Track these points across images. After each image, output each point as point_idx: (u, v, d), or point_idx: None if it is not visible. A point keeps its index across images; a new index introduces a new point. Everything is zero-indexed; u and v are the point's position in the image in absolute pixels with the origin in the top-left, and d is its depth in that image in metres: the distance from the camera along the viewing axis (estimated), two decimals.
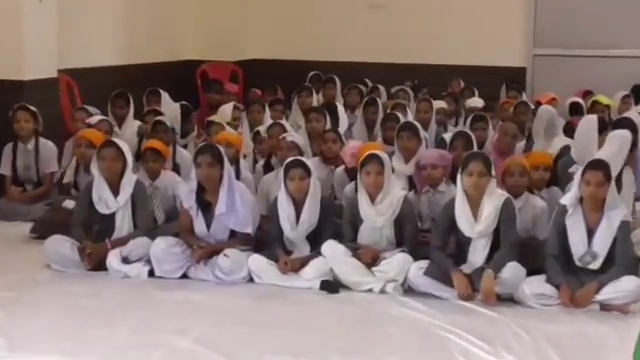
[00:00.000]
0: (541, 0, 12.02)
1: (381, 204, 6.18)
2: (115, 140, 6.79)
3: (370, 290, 6.02)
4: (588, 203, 5.80)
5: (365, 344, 5.11)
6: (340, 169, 7.29)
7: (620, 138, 6.80)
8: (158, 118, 8.15)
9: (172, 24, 11.95)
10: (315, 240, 6.29)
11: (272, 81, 11.23)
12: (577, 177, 5.85)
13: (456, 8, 12.22)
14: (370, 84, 11.45)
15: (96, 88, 9.49)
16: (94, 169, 6.55)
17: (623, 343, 5.09)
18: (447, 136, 7.84)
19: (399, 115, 8.42)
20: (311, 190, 6.27)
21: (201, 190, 6.37)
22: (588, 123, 7.37)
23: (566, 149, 7.50)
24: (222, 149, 6.51)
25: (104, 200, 6.50)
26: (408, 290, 5.99)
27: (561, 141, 7.97)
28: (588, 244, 5.77)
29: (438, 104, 9.61)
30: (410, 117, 8.87)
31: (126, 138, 7.76)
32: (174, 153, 7.68)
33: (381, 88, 11.31)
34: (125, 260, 6.34)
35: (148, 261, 6.32)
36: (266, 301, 5.89)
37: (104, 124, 8.00)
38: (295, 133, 7.89)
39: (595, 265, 5.75)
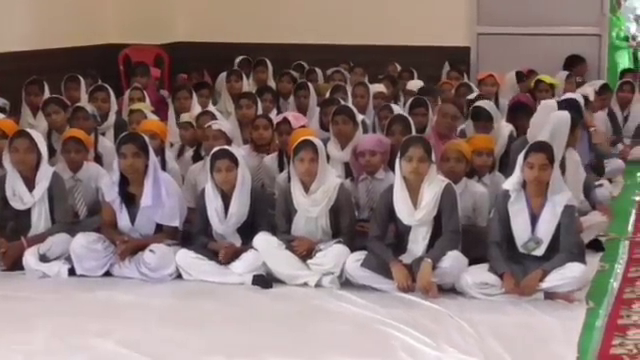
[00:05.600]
0: None
1: (316, 193, 6.20)
2: (28, 130, 6.72)
3: (305, 284, 6.05)
4: (531, 187, 5.88)
5: (301, 341, 5.13)
6: (269, 157, 7.30)
7: (558, 119, 6.92)
8: (78, 104, 8.09)
9: (92, 5, 11.83)
10: (248, 233, 6.29)
11: (200, 65, 11.19)
12: (520, 160, 5.93)
13: None
14: (306, 67, 11.47)
15: (8, 75, 9.36)
16: (6, 162, 6.48)
17: (568, 333, 5.17)
18: None
19: (340, 99, 8.45)
20: (239, 181, 6.27)
21: (124, 182, 6.34)
22: (547, 108, 7.48)
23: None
24: (147, 138, 6.49)
25: (19, 195, 6.45)
26: (345, 283, 6.02)
27: (505, 125, 8.05)
28: (532, 230, 5.85)
29: (376, 88, 9.64)
30: (350, 100, 8.92)
31: (40, 129, 7.68)
32: (96, 142, 7.63)
33: (317, 71, 11.33)
34: (43, 258, 6.29)
35: (68, 259, 6.27)
36: (195, 298, 5.88)
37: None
38: (224, 120, 7.89)
39: (539, 251, 5.83)
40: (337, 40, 12.16)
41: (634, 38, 13.84)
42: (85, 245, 6.23)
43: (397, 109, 8.29)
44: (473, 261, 5.95)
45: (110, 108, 8.55)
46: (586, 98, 8.75)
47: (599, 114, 9.83)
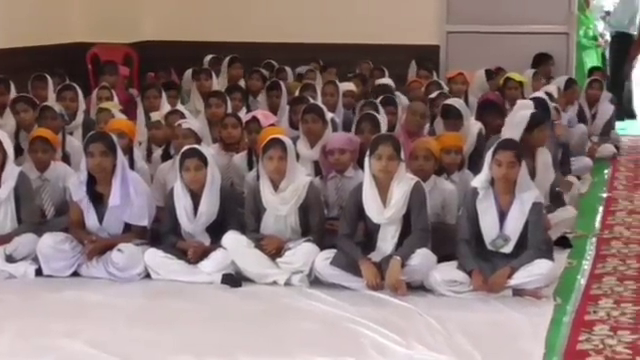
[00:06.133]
0: None
1: (285, 191, 6.21)
2: None
3: (275, 282, 6.06)
4: (499, 185, 5.92)
5: (271, 340, 5.13)
6: (238, 156, 7.31)
7: (518, 117, 6.98)
8: (46, 103, 8.06)
9: (59, 3, 11.77)
10: (217, 232, 6.29)
11: (168, 64, 11.16)
12: (488, 158, 5.97)
13: None
14: (276, 65, 11.48)
15: None
16: None
17: (535, 329, 5.20)
18: None
19: (309, 97, 8.46)
20: (209, 180, 6.27)
21: (92, 181, 6.32)
22: (524, 107, 7.53)
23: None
24: (115, 137, 6.48)
25: None
26: (315, 281, 6.03)
27: (474, 123, 8.09)
28: (500, 227, 5.89)
29: (346, 86, 9.67)
30: (320, 99, 8.93)
31: (8, 128, 7.64)
32: (63, 142, 7.60)
33: (287, 69, 11.34)
34: (9, 259, 6.26)
35: (35, 259, 6.25)
36: (164, 298, 5.87)
37: None
38: (193, 119, 7.89)
39: (507, 249, 5.87)
40: (306, 39, 12.16)
41: (602, 37, 13.94)
42: (52, 245, 6.21)
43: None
44: (442, 259, 5.98)
45: (78, 107, 8.51)
46: (550, 95, 8.82)
47: (568, 113, 9.90)
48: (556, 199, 7.05)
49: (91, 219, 6.33)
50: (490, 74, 10.57)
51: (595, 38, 13.73)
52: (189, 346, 5.03)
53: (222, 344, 5.06)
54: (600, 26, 14.26)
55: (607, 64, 13.71)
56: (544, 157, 6.97)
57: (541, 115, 7.02)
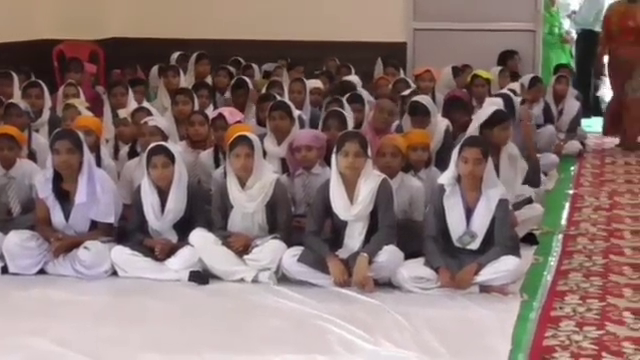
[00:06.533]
0: None
1: (252, 189, 6.21)
2: None
3: (242, 280, 6.06)
4: (466, 182, 5.95)
5: (239, 337, 5.12)
6: (205, 153, 7.30)
7: (480, 114, 7.04)
8: (11, 101, 8.00)
9: (25, 0, 11.68)
10: (184, 229, 6.28)
11: (135, 61, 11.12)
12: (454, 155, 6.00)
13: None
14: (243, 63, 11.47)
15: None
16: None
17: (502, 325, 5.23)
18: None
19: (276, 95, 8.46)
20: (176, 177, 6.26)
21: (58, 178, 6.29)
22: (492, 103, 7.57)
23: None
24: (81, 135, 6.46)
25: None
26: (282, 278, 6.04)
27: (441, 120, 8.12)
28: (467, 224, 5.92)
29: (313, 83, 9.68)
30: (287, 96, 8.94)
31: None
32: (29, 139, 7.55)
33: (255, 67, 11.33)
34: None
35: (1, 257, 6.21)
36: (131, 295, 5.86)
37: None
38: (160, 116, 7.87)
39: (474, 245, 5.90)
40: (273, 36, 12.16)
41: (568, 34, 14.03)
42: (18, 243, 6.18)
43: (346, 104, 8.31)
44: (409, 255, 6.00)
45: (44, 104, 8.47)
46: (514, 93, 8.87)
47: (534, 110, 9.96)
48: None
49: (57, 217, 6.30)
50: (457, 71, 10.62)
51: (561, 36, 13.83)
52: (156, 344, 5.01)
53: (189, 341, 5.05)
54: (566, 24, 14.35)
55: (573, 61, 13.81)
56: (509, 152, 6.98)
57: (502, 114, 7.03)
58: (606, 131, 11.49)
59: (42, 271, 6.22)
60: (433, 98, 9.00)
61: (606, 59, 11.07)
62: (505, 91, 8.78)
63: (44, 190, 6.30)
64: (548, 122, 10.23)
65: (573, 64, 13.58)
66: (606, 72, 11.46)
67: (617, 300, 5.66)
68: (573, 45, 14.03)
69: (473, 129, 7.13)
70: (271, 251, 6.06)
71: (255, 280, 6.04)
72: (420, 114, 7.78)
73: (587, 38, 13.41)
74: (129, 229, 6.39)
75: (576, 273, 6.23)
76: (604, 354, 4.82)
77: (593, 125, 12.21)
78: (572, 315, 5.40)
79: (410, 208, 6.45)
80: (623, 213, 7.93)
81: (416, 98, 8.09)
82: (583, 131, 11.04)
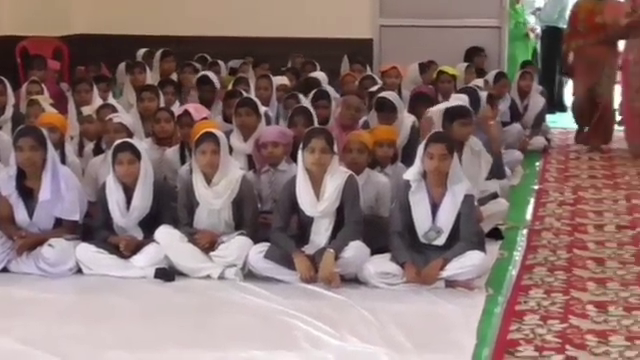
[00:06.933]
0: None
1: (218, 185, 6.20)
2: None
3: (208, 276, 6.04)
4: (432, 178, 5.97)
5: (206, 334, 5.11)
6: (170, 150, 7.28)
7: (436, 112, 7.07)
8: None
9: None
10: (150, 226, 6.26)
11: (100, 58, 11.06)
12: (420, 151, 6.02)
13: None
14: (209, 59, 11.44)
15: None
16: None
17: (467, 320, 5.26)
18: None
19: (242, 91, 8.46)
20: (142, 174, 6.24)
21: (22, 176, 6.25)
22: (458, 99, 7.59)
23: None
24: (45, 132, 6.42)
25: None
26: (249, 275, 6.03)
27: (408, 116, 8.14)
28: (432, 219, 5.94)
29: (279, 80, 9.68)
30: (253, 92, 8.93)
31: None
32: None
33: (221, 63, 11.31)
34: None
35: None
36: (97, 293, 5.84)
37: None
38: (125, 113, 7.84)
39: (440, 241, 5.92)
40: (239, 32, 12.14)
41: (533, 31, 14.11)
42: None
43: (303, 100, 8.34)
44: (376, 251, 6.02)
45: (7, 101, 8.39)
46: (479, 88, 8.90)
47: (500, 106, 10.00)
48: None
49: (21, 214, 6.25)
50: (423, 68, 10.65)
51: (526, 32, 13.90)
52: (122, 341, 5.00)
53: (156, 339, 5.04)
54: (531, 20, 14.43)
55: (538, 58, 13.89)
56: (472, 147, 6.99)
57: (462, 109, 7.04)
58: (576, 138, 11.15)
59: (5, 269, 6.16)
60: (399, 94, 9.02)
61: (572, 57, 11.02)
62: (470, 86, 8.82)
63: (7, 187, 6.26)
64: (515, 119, 10.29)
65: (538, 60, 13.66)
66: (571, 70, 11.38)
67: (581, 294, 5.70)
68: (538, 41, 14.12)
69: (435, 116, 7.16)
70: (237, 248, 6.05)
71: (221, 277, 6.03)
72: (386, 110, 7.81)
73: (552, 35, 13.50)
74: (94, 226, 6.36)
75: (541, 267, 6.27)
76: (568, 347, 4.86)
77: (558, 121, 12.29)
78: (536, 309, 5.44)
79: (376, 204, 6.47)
80: (587, 208, 7.99)
81: (382, 94, 8.11)
82: (547, 127, 11.12)
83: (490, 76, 10.36)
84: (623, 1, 10.51)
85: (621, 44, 10.46)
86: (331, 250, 5.85)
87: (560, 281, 5.97)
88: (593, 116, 10.42)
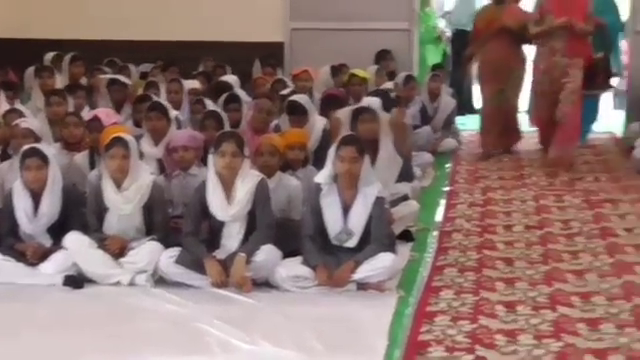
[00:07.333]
0: None
1: (128, 190, 6.15)
2: None
3: (118, 283, 5.98)
4: (343, 180, 5.99)
5: (116, 341, 5.06)
6: (79, 155, 7.19)
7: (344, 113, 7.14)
8: None
9: None
10: (59, 233, 6.16)
11: (5, 63, 10.86)
12: (331, 154, 6.04)
13: None
14: (120, 63, 11.32)
15: None
16: None
17: (379, 322, 5.28)
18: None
19: (153, 95, 8.40)
20: (50, 180, 6.15)
21: None
22: (369, 102, 7.63)
23: None
24: None
25: None
26: (160, 280, 5.99)
27: (319, 119, 8.16)
28: (344, 222, 5.96)
29: (190, 84, 9.62)
30: (164, 97, 8.87)
31: None
32: None
33: (131, 67, 11.20)
34: None
35: None
36: (3, 302, 5.72)
37: None
38: (33, 118, 7.72)
39: (351, 243, 5.95)
40: (149, 36, 12.02)
41: (443, 34, 14.24)
42: None
43: (210, 104, 8.32)
44: (288, 254, 6.02)
45: None
46: (389, 91, 8.97)
47: (411, 109, 10.08)
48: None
49: None
50: (335, 71, 10.68)
51: (437, 36, 14.01)
52: (31, 351, 4.92)
53: (66, 347, 4.97)
54: (442, 23, 14.57)
55: (449, 61, 14.02)
56: (384, 149, 7.05)
57: (363, 108, 7.15)
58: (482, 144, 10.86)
59: None
60: (311, 97, 9.05)
61: (477, 62, 11.08)
62: (382, 88, 8.87)
63: None
64: (425, 121, 10.38)
65: (450, 63, 13.79)
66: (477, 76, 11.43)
67: (490, 294, 5.78)
68: (449, 45, 14.25)
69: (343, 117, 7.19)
70: (148, 253, 6.00)
71: (132, 283, 5.97)
72: (298, 113, 7.84)
73: (461, 38, 13.59)
74: (0, 233, 6.23)
75: (451, 268, 6.34)
76: (477, 347, 4.91)
77: (467, 123, 12.43)
78: (447, 310, 5.49)
79: (288, 207, 6.47)
80: (496, 209, 8.09)
81: (294, 97, 8.14)
82: (457, 128, 11.22)
83: (399, 79, 10.44)
84: (521, 6, 10.65)
85: (526, 49, 10.57)
86: (242, 254, 5.83)
87: (470, 282, 6.04)
88: (500, 120, 10.51)
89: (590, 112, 10.74)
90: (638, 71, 11.41)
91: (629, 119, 11.28)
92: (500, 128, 10.49)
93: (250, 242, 5.93)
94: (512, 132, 10.77)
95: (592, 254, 6.64)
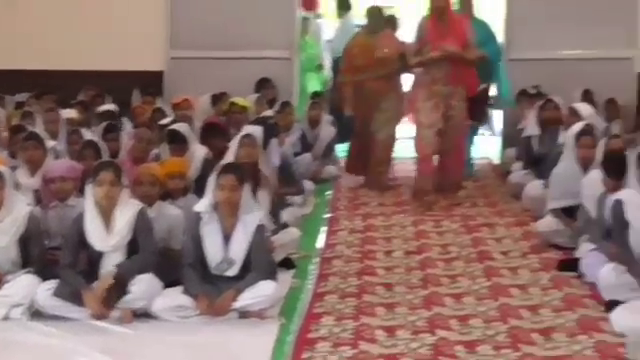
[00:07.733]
0: (175, 1, 12.14)
1: (3, 222, 6.01)
2: None
3: None
4: (223, 208, 5.99)
5: None
6: None
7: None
8: None
9: None
10: None
11: None
12: (211, 182, 6.03)
13: (87, 9, 12.07)
14: None
15: None
16: None
17: (261, 350, 5.28)
18: None
19: (28, 125, 8.26)
20: None
21: None
22: (250, 130, 7.66)
23: None
24: None
25: None
26: (37, 313, 5.86)
27: (200, 148, 8.13)
28: (225, 251, 5.96)
29: (67, 113, 9.48)
30: (41, 127, 8.71)
31: None
32: None
33: (7, 98, 10.98)
34: None
35: None
36: None
37: None
38: None
39: (232, 272, 5.93)
40: (25, 65, 11.81)
41: (324, 62, 14.35)
42: None
43: (87, 134, 8.22)
44: (169, 284, 5.97)
45: None
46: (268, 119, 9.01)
47: (291, 137, 10.12)
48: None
49: None
50: (215, 99, 10.68)
51: (319, 64, 14.11)
52: None
53: None
54: (322, 52, 14.68)
55: (329, 88, 14.12)
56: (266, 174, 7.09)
57: (244, 134, 7.28)
58: (347, 168, 10.81)
59: None
60: (191, 126, 9.01)
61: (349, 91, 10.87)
62: (263, 116, 8.91)
63: None
64: (305, 149, 10.43)
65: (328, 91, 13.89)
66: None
67: (370, 319, 5.83)
68: (329, 73, 14.35)
69: (230, 156, 7.22)
70: (24, 286, 5.87)
71: (7, 317, 5.83)
72: (178, 142, 7.82)
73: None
74: None
75: (332, 295, 6.37)
76: None
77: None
78: (328, 336, 5.52)
79: (169, 236, 6.43)
80: (376, 235, 8.18)
81: (173, 126, 8.10)
82: (336, 156, 11.25)
83: (277, 106, 10.48)
84: (395, 35, 10.73)
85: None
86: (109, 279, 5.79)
87: (351, 308, 6.08)
88: (367, 147, 10.32)
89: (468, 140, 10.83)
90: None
91: (505, 145, 11.53)
92: (367, 155, 10.35)
93: (130, 260, 5.91)
94: (384, 163, 10.40)
95: (470, 277, 6.77)
